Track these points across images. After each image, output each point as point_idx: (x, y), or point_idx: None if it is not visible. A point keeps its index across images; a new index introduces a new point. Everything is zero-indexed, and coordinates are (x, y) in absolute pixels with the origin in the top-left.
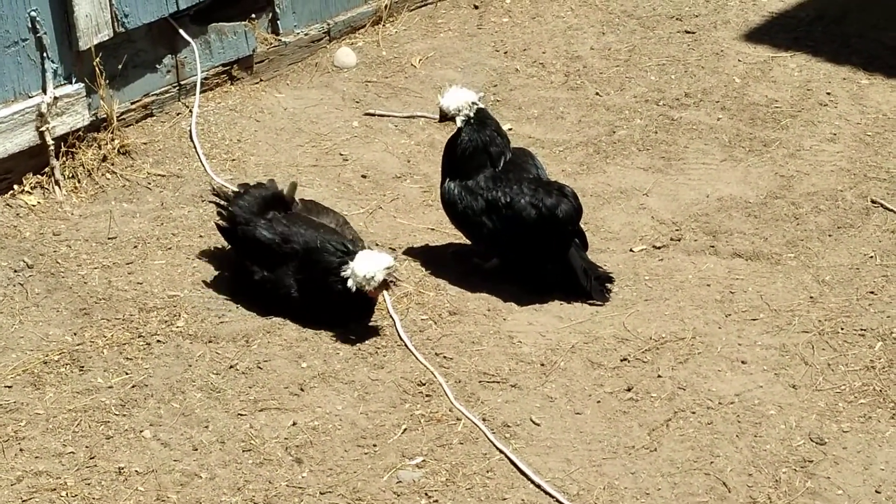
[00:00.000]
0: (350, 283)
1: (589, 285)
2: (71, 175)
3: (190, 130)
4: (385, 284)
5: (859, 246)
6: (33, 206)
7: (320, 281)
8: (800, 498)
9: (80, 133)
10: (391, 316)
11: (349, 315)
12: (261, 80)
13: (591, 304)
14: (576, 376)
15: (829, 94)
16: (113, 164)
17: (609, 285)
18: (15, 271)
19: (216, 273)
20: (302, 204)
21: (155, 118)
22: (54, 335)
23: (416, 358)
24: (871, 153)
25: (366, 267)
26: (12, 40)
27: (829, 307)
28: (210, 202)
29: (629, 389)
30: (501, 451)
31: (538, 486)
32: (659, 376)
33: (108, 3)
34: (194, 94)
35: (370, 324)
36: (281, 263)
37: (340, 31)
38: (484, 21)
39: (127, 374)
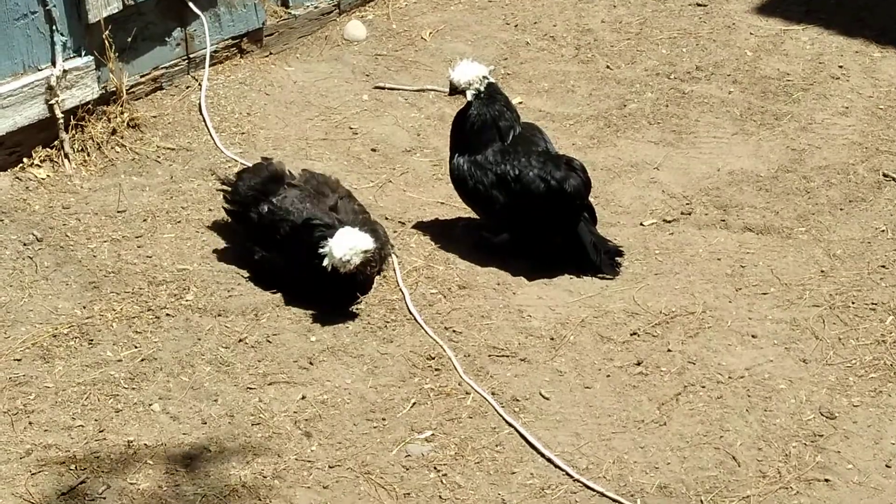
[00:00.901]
0: (326, 261)
1: (599, 259)
2: (80, 148)
3: (199, 104)
4: (365, 266)
5: (871, 220)
6: (43, 179)
7: (304, 260)
8: (810, 472)
9: (90, 106)
10: (401, 290)
11: (341, 294)
12: (270, 54)
13: (600, 279)
14: (585, 350)
15: (841, 67)
16: (122, 138)
17: (619, 259)
18: (24, 244)
19: (225, 247)
20: (305, 175)
21: (164, 91)
22: (63, 308)
23: (426, 332)
24: (883, 126)
25: (341, 249)
26: (21, 13)
27: (840, 281)
28: (218, 190)
29: (639, 363)
30: (511, 425)
31: (548, 460)
32: (669, 350)
33: None
34: (204, 68)
35: (380, 297)
36: (277, 243)
37: (350, 4)
38: None
39: (136, 347)
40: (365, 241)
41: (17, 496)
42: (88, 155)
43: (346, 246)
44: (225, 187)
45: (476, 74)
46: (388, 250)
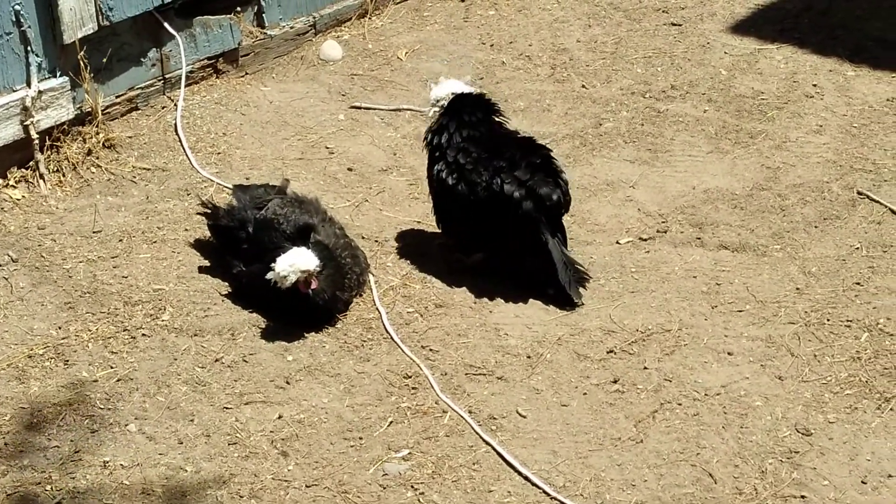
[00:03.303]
0: (269, 275)
1: (568, 280)
2: (56, 169)
3: (175, 124)
4: (306, 284)
5: (845, 237)
6: (18, 199)
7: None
8: (786, 489)
9: (65, 127)
10: (377, 309)
11: (297, 314)
12: (246, 74)
13: (563, 304)
14: (562, 368)
15: (815, 85)
16: (98, 158)
17: (583, 289)
18: None
19: (201, 266)
20: (288, 196)
21: (140, 112)
22: (39, 329)
23: (403, 350)
24: (857, 144)
25: (283, 265)
26: None
27: (815, 298)
28: (199, 214)
29: (615, 381)
30: (488, 443)
31: (525, 478)
32: (645, 368)
33: None
34: (179, 88)
35: (357, 316)
36: (259, 256)
37: (326, 24)
38: (470, 14)
39: (112, 367)
40: (306, 261)
41: None
42: (64, 175)
43: (287, 263)
44: (207, 211)
45: (448, 92)
46: (367, 277)
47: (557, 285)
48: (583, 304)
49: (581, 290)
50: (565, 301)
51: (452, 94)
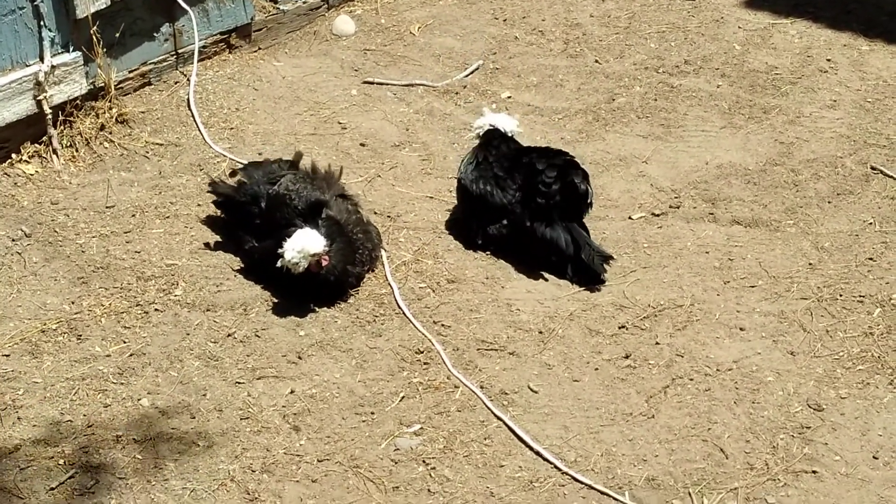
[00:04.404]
0: (279, 262)
1: (591, 257)
2: (69, 144)
3: (188, 99)
4: (317, 265)
5: (858, 212)
6: (31, 175)
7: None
8: (797, 464)
9: (78, 102)
10: (389, 284)
11: (308, 290)
12: (259, 49)
13: (588, 281)
14: (574, 344)
15: (829, 60)
16: (111, 133)
17: (606, 266)
18: (13, 240)
19: (214, 241)
20: (307, 170)
21: (153, 87)
22: (52, 304)
23: (414, 326)
24: (871, 119)
25: (290, 252)
26: (9, 8)
27: (827, 274)
28: (208, 192)
29: (627, 357)
30: (499, 418)
31: (536, 453)
32: (657, 343)
33: None
34: (192, 63)
35: (369, 292)
36: (272, 231)
37: None
38: None
39: (125, 342)
40: (315, 245)
41: (6, 491)
42: (77, 150)
43: (296, 249)
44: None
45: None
46: (379, 252)
47: (580, 262)
48: (605, 278)
49: (605, 265)
50: (590, 277)
51: (490, 125)
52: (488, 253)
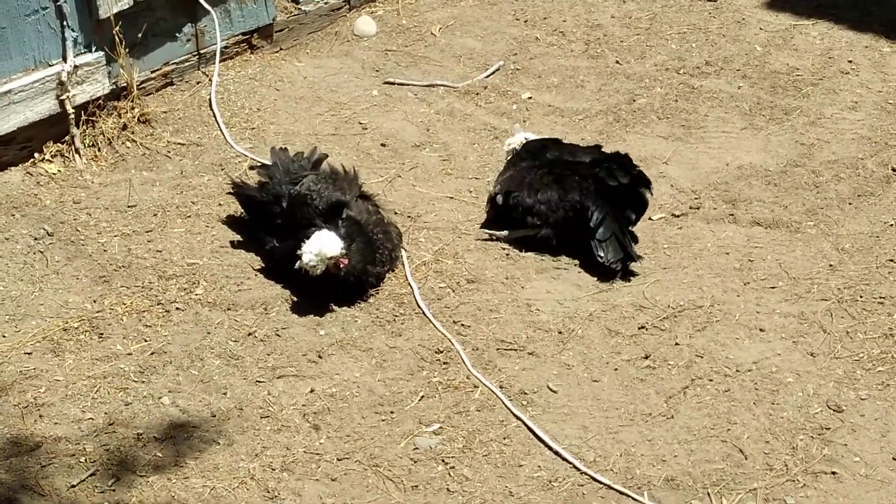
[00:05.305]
0: (297, 264)
1: (628, 244)
2: (91, 143)
3: (210, 99)
4: (336, 267)
5: (879, 214)
6: (54, 174)
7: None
8: (816, 465)
9: (101, 101)
10: (409, 284)
11: (328, 289)
12: (281, 49)
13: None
14: (593, 344)
15: (850, 61)
16: (133, 133)
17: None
18: (35, 239)
19: (235, 241)
20: (328, 171)
21: (175, 87)
22: (74, 302)
23: (434, 325)
24: (892, 121)
25: (309, 256)
26: (32, 9)
27: (848, 275)
28: (228, 193)
29: (647, 357)
30: (518, 418)
31: (555, 453)
32: (676, 344)
33: None
34: (214, 63)
35: (389, 291)
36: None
37: (360, 0)
38: None
39: (146, 341)
40: (332, 247)
41: (27, 488)
42: (99, 150)
43: (313, 252)
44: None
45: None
46: (399, 252)
47: (616, 246)
48: (637, 266)
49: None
50: (626, 256)
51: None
52: (507, 253)
